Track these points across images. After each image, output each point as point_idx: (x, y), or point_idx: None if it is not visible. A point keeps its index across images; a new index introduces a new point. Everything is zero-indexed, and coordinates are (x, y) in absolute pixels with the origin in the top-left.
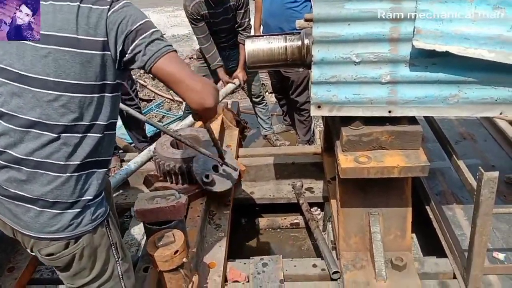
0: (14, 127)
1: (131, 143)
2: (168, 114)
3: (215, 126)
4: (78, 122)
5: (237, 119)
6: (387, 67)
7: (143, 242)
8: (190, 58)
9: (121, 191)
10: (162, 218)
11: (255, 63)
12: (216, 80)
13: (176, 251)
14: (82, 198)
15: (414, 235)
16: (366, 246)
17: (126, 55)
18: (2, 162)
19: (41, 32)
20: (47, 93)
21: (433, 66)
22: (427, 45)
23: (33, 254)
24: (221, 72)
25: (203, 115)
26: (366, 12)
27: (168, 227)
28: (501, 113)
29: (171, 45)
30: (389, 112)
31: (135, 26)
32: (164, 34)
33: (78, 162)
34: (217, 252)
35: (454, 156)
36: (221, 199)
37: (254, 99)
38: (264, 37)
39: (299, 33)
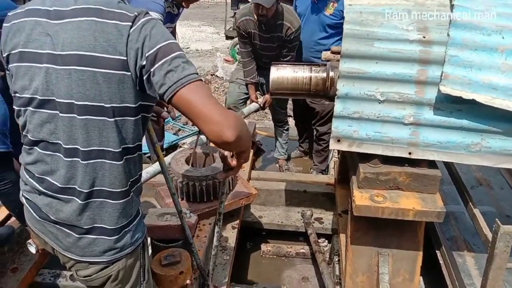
0: (48, 153)
1: (145, 153)
2: (184, 127)
3: None
4: (102, 147)
5: (253, 140)
6: (411, 109)
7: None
8: (212, 75)
9: None
10: (170, 236)
11: (279, 90)
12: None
13: (181, 272)
14: (120, 224)
15: (421, 278)
16: (373, 286)
17: (144, 81)
18: (42, 189)
19: (60, 52)
20: (71, 116)
21: (458, 113)
22: (454, 91)
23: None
24: (251, 89)
25: (224, 149)
26: (395, 52)
27: (175, 246)
28: None
29: (195, 73)
30: (409, 153)
31: (154, 49)
32: (188, 48)
33: (107, 189)
34: (221, 276)
35: (470, 203)
36: (229, 220)
37: (276, 122)
38: (290, 65)
39: (325, 64)
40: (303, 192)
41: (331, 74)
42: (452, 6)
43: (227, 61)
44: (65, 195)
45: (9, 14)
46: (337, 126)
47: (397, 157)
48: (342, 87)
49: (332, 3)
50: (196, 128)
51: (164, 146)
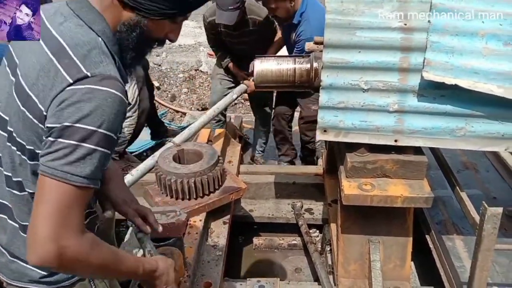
0: None
1: (132, 152)
2: (170, 124)
3: (219, 140)
4: (19, 178)
5: (240, 134)
6: (395, 96)
7: (138, 255)
8: (195, 70)
9: None
10: (161, 235)
11: (263, 83)
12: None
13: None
14: None
15: (412, 263)
16: (365, 274)
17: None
18: None
19: (18, 66)
20: (4, 135)
21: (441, 98)
22: (436, 77)
23: None
24: (235, 69)
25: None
26: (377, 41)
27: (166, 245)
28: (506, 149)
29: (83, 177)
30: (395, 141)
31: (67, 123)
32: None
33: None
34: (214, 272)
35: (457, 187)
36: (220, 215)
37: (259, 123)
38: (273, 58)
39: (309, 55)
40: (292, 184)
41: (315, 65)
42: None
43: (211, 55)
44: None
45: None
46: (323, 117)
47: (384, 145)
48: (326, 77)
49: (293, 33)
50: (182, 124)
51: (150, 145)
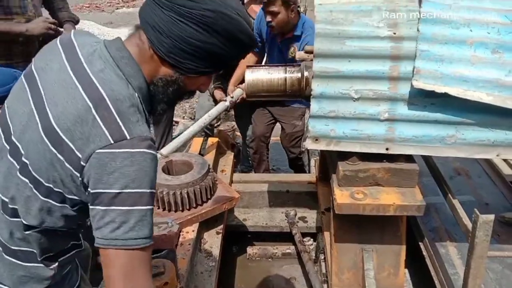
0: None
1: None
2: None
3: (211, 149)
4: (15, 206)
5: (233, 142)
6: (385, 105)
7: None
8: None
9: None
10: (153, 247)
11: (254, 93)
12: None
13: (166, 283)
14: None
15: (406, 270)
16: (359, 282)
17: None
18: None
19: (48, 107)
20: (13, 163)
21: (432, 106)
22: (426, 85)
23: None
24: (217, 94)
25: None
26: (367, 50)
27: (158, 257)
28: (497, 155)
29: (144, 238)
30: (387, 149)
31: (115, 190)
32: None
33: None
34: (207, 283)
35: (449, 194)
36: (213, 225)
37: (247, 140)
38: (264, 67)
39: (299, 64)
40: (286, 192)
41: (306, 74)
42: (420, 1)
43: None
44: None
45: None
46: (314, 126)
47: (375, 154)
48: (316, 86)
49: (293, 48)
50: (175, 134)
51: None
